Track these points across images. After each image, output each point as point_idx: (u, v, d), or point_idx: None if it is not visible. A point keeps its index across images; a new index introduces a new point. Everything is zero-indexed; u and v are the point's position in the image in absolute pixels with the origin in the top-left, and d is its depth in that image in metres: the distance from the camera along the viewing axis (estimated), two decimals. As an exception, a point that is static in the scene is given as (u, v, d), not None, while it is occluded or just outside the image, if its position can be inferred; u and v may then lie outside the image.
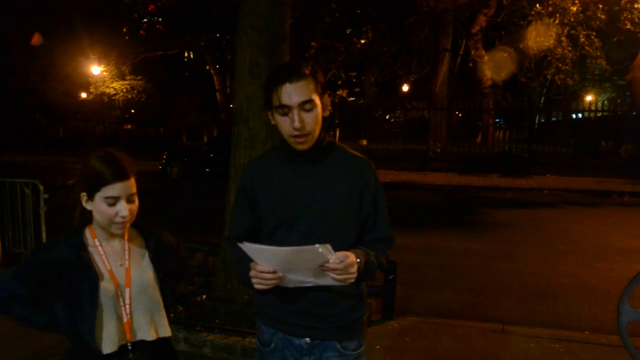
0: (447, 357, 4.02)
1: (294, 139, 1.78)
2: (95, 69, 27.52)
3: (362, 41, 21.97)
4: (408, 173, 17.30)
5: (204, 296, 4.52)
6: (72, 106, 31.38)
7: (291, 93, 1.73)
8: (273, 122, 1.84)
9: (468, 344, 4.24)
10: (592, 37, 16.78)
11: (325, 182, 1.83)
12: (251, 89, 4.12)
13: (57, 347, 3.68)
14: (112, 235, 1.80)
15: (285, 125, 1.77)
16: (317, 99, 1.77)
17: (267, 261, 1.67)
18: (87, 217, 1.79)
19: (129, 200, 1.73)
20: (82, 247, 1.76)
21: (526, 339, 4.32)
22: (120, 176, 1.70)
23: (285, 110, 1.75)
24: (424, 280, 6.06)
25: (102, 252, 1.78)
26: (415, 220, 9.66)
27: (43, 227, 5.83)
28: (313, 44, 19.19)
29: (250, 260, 1.71)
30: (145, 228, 1.92)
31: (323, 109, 1.82)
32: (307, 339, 1.87)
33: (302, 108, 1.74)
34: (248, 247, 1.64)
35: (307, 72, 1.76)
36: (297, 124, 1.73)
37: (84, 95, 30.93)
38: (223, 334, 4.09)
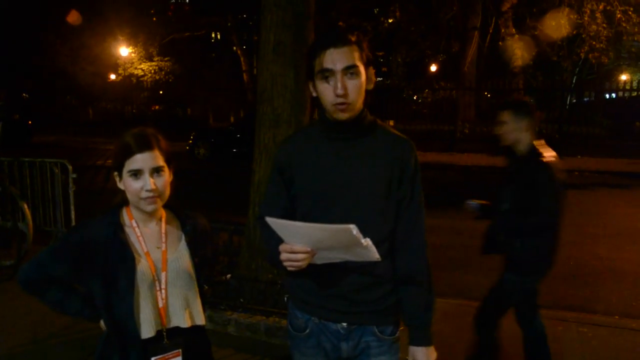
0: (473, 339, 3.98)
1: (336, 107, 1.69)
2: (124, 51, 27.81)
3: (390, 20, 21.72)
4: (436, 154, 17.09)
5: (229, 275, 4.55)
6: (101, 87, 31.85)
7: (335, 58, 1.65)
8: (314, 94, 1.76)
9: (494, 326, 4.20)
10: (630, 12, 16.20)
11: (365, 161, 1.74)
12: (275, 68, 4.09)
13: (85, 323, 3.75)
14: (149, 217, 1.77)
15: (327, 92, 1.69)
16: (361, 67, 1.69)
17: (294, 238, 1.57)
18: (124, 198, 1.77)
19: (155, 174, 1.70)
20: (119, 227, 1.73)
21: (553, 322, 4.24)
22: (142, 147, 1.68)
23: (328, 74, 1.67)
24: (450, 262, 6.01)
25: (139, 234, 1.75)
26: (442, 201, 9.56)
27: (72, 206, 5.94)
28: (340, 23, 19.02)
29: (279, 241, 1.62)
30: (181, 211, 1.88)
31: (367, 82, 1.73)
32: (344, 324, 1.81)
33: (345, 74, 1.66)
34: (274, 223, 1.54)
35: (353, 39, 1.68)
36: (340, 90, 1.65)
37: (112, 76, 31.36)
38: (247, 312, 4.13)
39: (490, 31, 21.45)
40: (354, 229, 1.43)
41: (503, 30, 20.31)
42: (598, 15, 16.32)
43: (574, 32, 17.33)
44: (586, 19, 16.23)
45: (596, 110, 22.16)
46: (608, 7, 16.23)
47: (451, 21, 22.00)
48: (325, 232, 1.50)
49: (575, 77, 31.73)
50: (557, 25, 16.94)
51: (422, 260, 1.83)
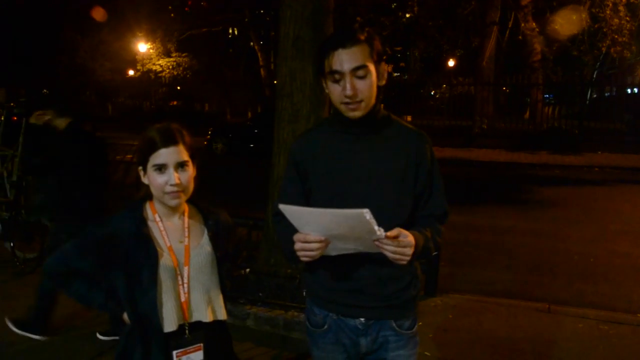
0: (491, 336, 3.97)
1: (345, 106, 1.71)
2: (142, 47, 28.01)
3: (408, 15, 21.58)
4: (453, 149, 16.96)
5: (248, 270, 4.58)
6: (120, 83, 32.15)
7: (344, 59, 1.65)
8: (327, 91, 1.77)
9: (512, 322, 4.18)
10: (654, 5, 15.91)
11: (379, 155, 1.75)
12: (294, 63, 4.10)
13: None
14: (172, 211, 1.78)
15: (337, 92, 1.70)
16: (371, 66, 1.69)
17: (308, 225, 1.58)
18: (148, 193, 1.78)
19: (179, 169, 1.71)
20: (143, 221, 1.74)
21: (573, 319, 4.21)
22: (167, 141, 1.69)
23: (337, 77, 1.68)
24: (468, 258, 5.99)
25: (162, 228, 1.75)
26: (460, 197, 9.50)
27: (93, 201, 5.99)
28: (358, 18, 18.94)
29: (293, 235, 1.63)
30: (204, 206, 1.89)
31: (378, 78, 1.74)
32: (362, 319, 1.81)
33: (354, 74, 1.67)
34: (288, 210, 1.55)
35: (362, 37, 1.68)
36: (348, 91, 1.66)
37: (131, 72, 31.59)
38: (266, 307, 4.15)
39: (510, 26, 21.21)
40: (367, 213, 1.44)
41: (522, 25, 20.06)
42: (621, 8, 16.01)
43: (596, 26, 17.04)
44: (608, 12, 15.94)
45: (617, 105, 21.83)
46: (632, 0, 15.92)
47: (470, 16, 21.77)
48: (339, 218, 1.50)
49: (596, 71, 31.28)
50: (578, 18, 16.69)
51: (442, 217, 1.85)
